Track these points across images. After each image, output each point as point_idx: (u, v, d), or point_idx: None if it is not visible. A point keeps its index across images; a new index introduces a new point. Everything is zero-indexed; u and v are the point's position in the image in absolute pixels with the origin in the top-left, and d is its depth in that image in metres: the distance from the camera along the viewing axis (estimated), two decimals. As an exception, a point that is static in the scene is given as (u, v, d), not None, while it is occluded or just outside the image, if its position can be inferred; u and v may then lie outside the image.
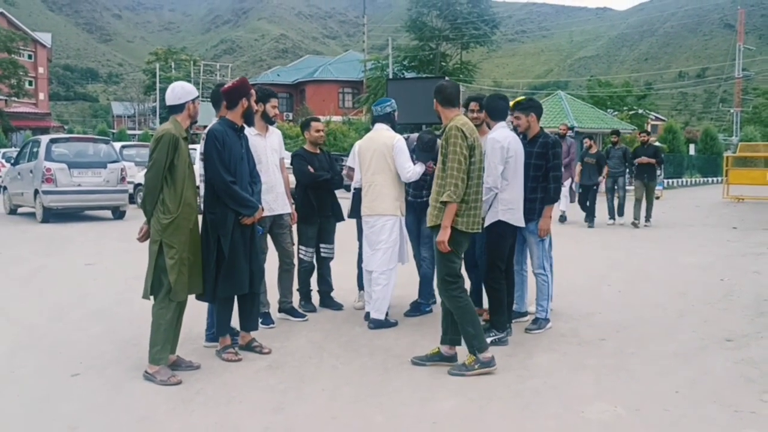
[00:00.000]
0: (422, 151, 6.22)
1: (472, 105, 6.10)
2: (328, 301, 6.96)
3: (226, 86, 5.23)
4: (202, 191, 5.31)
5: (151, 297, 4.83)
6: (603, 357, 5.31)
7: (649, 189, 14.65)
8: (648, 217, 14.69)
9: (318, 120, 7.02)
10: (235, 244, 5.06)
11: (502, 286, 5.67)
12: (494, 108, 5.73)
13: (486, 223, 5.48)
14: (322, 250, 6.86)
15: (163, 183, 4.75)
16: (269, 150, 6.04)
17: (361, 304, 6.77)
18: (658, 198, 23.46)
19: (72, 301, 7.16)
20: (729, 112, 70.05)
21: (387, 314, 6.24)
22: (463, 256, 5.12)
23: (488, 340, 5.33)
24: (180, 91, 4.94)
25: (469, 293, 5.48)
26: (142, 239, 4.95)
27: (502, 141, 5.50)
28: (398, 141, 6.12)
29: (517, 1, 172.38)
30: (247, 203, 5.11)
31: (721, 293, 7.64)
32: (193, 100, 4.95)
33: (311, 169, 6.65)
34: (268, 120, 6.12)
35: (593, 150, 14.69)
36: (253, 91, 5.33)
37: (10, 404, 4.29)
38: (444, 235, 4.79)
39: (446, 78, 12.11)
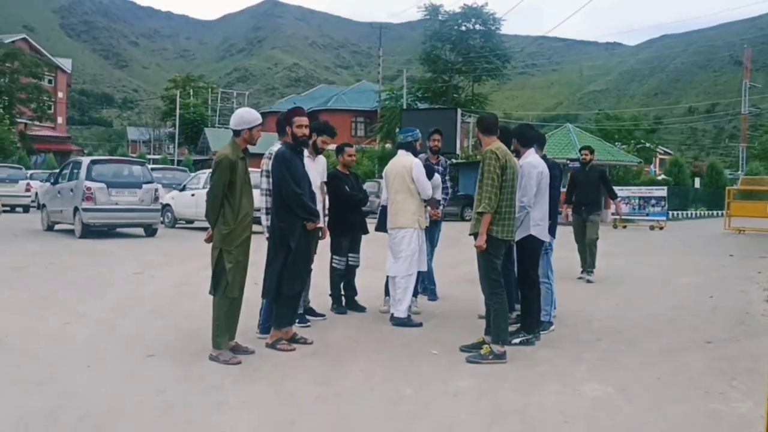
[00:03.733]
0: None
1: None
2: (353, 304, 7.87)
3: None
4: (259, 203, 6.27)
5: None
6: (598, 352, 6.18)
7: (591, 226, 10.48)
8: (591, 267, 10.62)
9: (351, 146, 8.03)
10: (300, 248, 6.03)
11: (534, 294, 6.51)
12: (524, 136, 6.66)
13: (518, 238, 6.31)
14: (350, 258, 7.79)
15: (223, 199, 5.66)
16: (315, 172, 6.99)
17: (386, 308, 7.67)
18: (662, 228, 24.34)
19: (131, 302, 8.05)
20: (737, 148, 70.84)
21: (410, 316, 7.15)
22: (501, 259, 5.99)
23: (518, 340, 6.29)
24: (239, 119, 5.81)
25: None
26: (207, 241, 5.83)
27: (538, 166, 6.46)
28: (416, 166, 7.18)
29: (528, 35, 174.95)
30: (313, 211, 6.12)
31: (708, 307, 8.50)
32: (250, 129, 5.77)
33: (347, 189, 7.61)
34: (317, 150, 7.09)
35: None
36: (297, 119, 6.21)
37: (102, 376, 5.16)
38: (480, 241, 5.73)
39: (458, 109, 13.11)
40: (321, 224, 6.78)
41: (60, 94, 70.60)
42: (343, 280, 7.77)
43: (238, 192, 5.65)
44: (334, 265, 7.67)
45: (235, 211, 5.62)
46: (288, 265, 6.00)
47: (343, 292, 7.82)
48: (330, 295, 7.75)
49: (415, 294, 7.52)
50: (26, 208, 26.01)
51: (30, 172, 30.49)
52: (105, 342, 6.20)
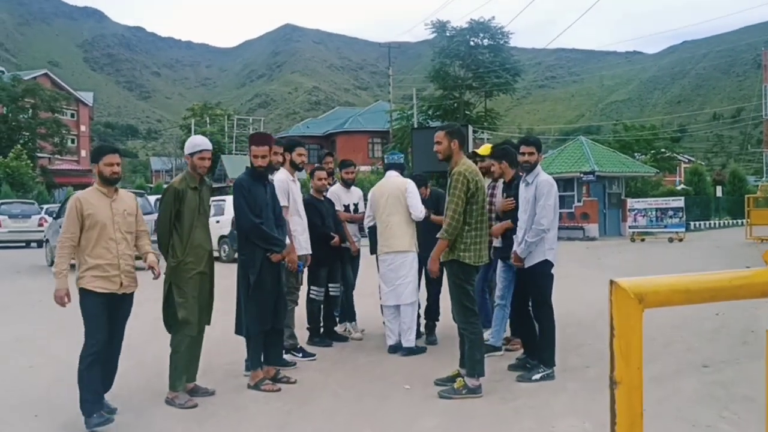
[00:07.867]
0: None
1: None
2: (332, 335, 7.56)
3: None
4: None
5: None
6: (583, 381, 5.77)
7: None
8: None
9: (322, 169, 7.57)
10: (262, 282, 5.62)
11: (553, 322, 5.98)
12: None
13: (534, 262, 5.89)
14: (330, 289, 7.47)
15: (172, 230, 5.38)
16: (298, 195, 6.73)
17: (359, 335, 7.58)
18: (681, 240, 23.65)
19: (105, 340, 7.79)
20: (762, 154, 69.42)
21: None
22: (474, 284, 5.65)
23: (538, 376, 5.76)
24: (186, 145, 5.61)
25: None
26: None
27: (555, 184, 6.01)
28: (410, 185, 6.89)
29: (546, 47, 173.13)
30: (275, 241, 5.69)
31: (712, 325, 8.05)
32: (191, 155, 5.47)
33: (320, 219, 7.25)
34: (296, 167, 6.79)
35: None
36: (254, 149, 5.83)
37: (47, 426, 4.94)
38: (434, 266, 5.44)
39: (470, 126, 12.67)
40: (303, 252, 6.53)
41: (83, 128, 71.43)
42: (321, 311, 7.45)
43: (188, 223, 5.38)
44: (312, 296, 7.36)
45: (184, 242, 5.36)
46: (248, 300, 5.67)
47: (322, 323, 7.51)
48: (307, 328, 7.42)
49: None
50: (40, 243, 26.05)
51: (45, 207, 30.60)
52: (64, 386, 5.89)
